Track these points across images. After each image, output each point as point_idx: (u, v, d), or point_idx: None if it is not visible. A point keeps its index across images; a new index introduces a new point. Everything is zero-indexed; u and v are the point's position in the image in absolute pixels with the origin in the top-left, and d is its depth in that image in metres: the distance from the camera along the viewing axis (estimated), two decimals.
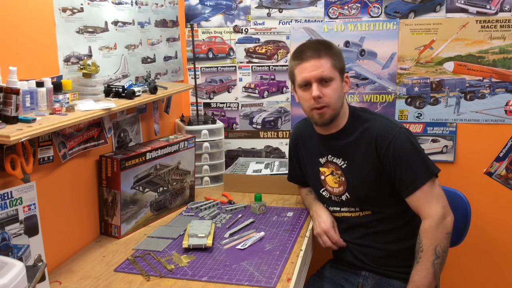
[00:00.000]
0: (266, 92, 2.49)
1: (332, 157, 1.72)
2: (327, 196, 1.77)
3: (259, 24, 2.43)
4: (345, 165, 1.69)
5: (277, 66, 2.45)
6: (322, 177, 1.77)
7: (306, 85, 1.62)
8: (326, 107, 1.61)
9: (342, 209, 1.74)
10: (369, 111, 1.76)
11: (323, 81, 1.60)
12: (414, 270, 1.53)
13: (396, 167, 1.58)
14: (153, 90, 1.83)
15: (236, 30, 2.45)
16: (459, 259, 2.28)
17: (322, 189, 1.78)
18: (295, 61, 1.65)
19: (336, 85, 1.62)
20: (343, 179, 1.70)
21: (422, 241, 1.52)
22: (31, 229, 1.30)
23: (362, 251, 1.71)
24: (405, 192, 1.58)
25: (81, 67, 1.54)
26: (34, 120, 1.24)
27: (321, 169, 1.76)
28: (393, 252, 1.67)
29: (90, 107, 1.45)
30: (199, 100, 2.49)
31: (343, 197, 1.71)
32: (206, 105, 2.57)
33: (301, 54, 1.63)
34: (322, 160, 1.76)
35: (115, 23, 1.84)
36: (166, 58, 2.31)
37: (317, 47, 1.63)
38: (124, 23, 1.90)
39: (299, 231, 1.75)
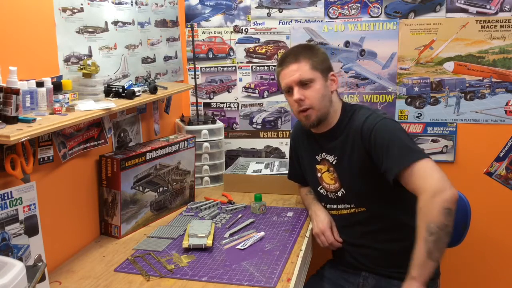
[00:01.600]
0: (266, 92, 2.49)
1: (326, 155, 1.73)
2: (324, 194, 1.78)
3: (259, 24, 2.43)
4: (335, 161, 1.70)
5: None
6: (319, 175, 1.77)
7: (289, 90, 1.66)
8: (310, 109, 1.63)
9: (339, 206, 1.74)
10: (358, 105, 1.74)
11: (303, 83, 1.62)
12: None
13: (378, 153, 1.54)
14: (153, 90, 1.83)
15: (236, 30, 2.45)
16: (459, 259, 2.28)
17: (320, 187, 1.79)
18: (278, 68, 1.70)
19: (318, 85, 1.63)
20: (336, 175, 1.70)
21: (417, 219, 1.42)
22: (31, 229, 1.30)
23: (361, 252, 1.71)
24: (388, 176, 1.50)
25: (81, 67, 1.54)
26: (34, 120, 1.24)
27: (318, 166, 1.77)
28: (392, 253, 1.66)
29: (90, 107, 1.45)
30: (199, 100, 2.49)
31: (339, 193, 1.71)
32: (206, 105, 2.57)
33: (282, 61, 1.69)
34: (318, 158, 1.77)
35: (115, 23, 1.84)
36: (166, 58, 2.31)
37: (296, 51, 1.67)
38: (124, 23, 1.90)
39: (299, 231, 1.75)
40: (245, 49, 2.47)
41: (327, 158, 1.73)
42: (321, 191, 1.79)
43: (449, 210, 1.39)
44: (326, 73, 1.67)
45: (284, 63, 1.66)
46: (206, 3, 2.46)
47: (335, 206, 1.76)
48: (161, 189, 1.92)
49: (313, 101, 1.62)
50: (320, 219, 1.76)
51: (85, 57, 1.64)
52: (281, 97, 2.48)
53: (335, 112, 1.70)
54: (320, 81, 1.64)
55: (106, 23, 1.77)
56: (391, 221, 1.66)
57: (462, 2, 2.17)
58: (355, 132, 1.63)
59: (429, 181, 1.42)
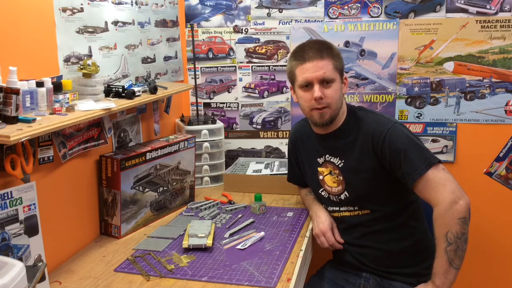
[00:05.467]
0: (266, 92, 2.49)
1: (330, 157, 1.72)
2: (326, 196, 1.77)
3: (259, 24, 2.43)
4: (342, 164, 1.69)
5: (277, 66, 2.45)
6: (321, 177, 1.77)
7: (307, 85, 1.62)
8: (327, 108, 1.62)
9: (341, 209, 1.74)
10: (365, 109, 1.75)
11: (325, 82, 1.60)
12: (434, 259, 1.50)
13: (395, 160, 1.56)
14: (153, 90, 1.83)
15: (236, 30, 2.45)
16: None
17: (321, 189, 1.78)
18: (296, 61, 1.64)
19: (336, 86, 1.62)
20: (341, 178, 1.70)
21: (434, 229, 1.49)
22: (31, 229, 1.30)
23: (362, 252, 1.71)
24: (409, 183, 1.55)
25: (81, 67, 1.54)
26: (34, 120, 1.24)
27: (320, 169, 1.77)
28: (393, 253, 1.67)
29: (90, 107, 1.45)
30: (199, 100, 2.49)
31: (342, 196, 1.71)
32: (206, 105, 2.57)
33: (303, 54, 1.63)
34: (320, 160, 1.76)
35: (115, 23, 1.84)
36: (166, 58, 2.31)
37: (319, 48, 1.62)
38: (124, 23, 1.90)
39: (299, 231, 1.75)
40: (245, 49, 2.47)
41: (331, 160, 1.72)
42: (323, 193, 1.78)
43: (464, 219, 1.47)
44: (342, 75, 1.67)
45: (307, 58, 1.60)
46: (206, 3, 2.46)
47: (337, 209, 1.75)
48: (161, 189, 1.92)
49: (331, 101, 1.61)
50: (321, 220, 1.75)
51: (85, 57, 1.63)
52: (281, 97, 2.48)
53: (343, 113, 1.69)
54: (338, 82, 1.63)
55: (106, 23, 1.77)
56: (393, 222, 1.66)
57: (462, 2, 2.17)
58: (364, 136, 1.63)
59: (442, 193, 1.49)
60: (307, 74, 1.60)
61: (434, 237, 1.50)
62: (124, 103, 1.61)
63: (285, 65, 2.40)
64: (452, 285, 1.47)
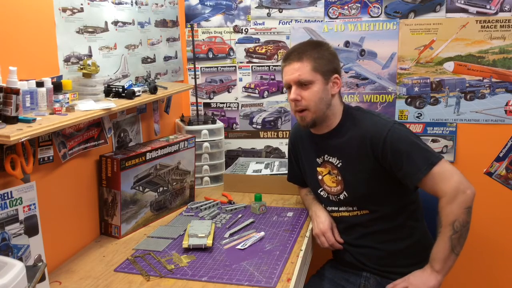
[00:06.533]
0: (266, 92, 2.49)
1: (328, 157, 1.72)
2: (325, 196, 1.77)
3: (259, 24, 2.43)
4: (340, 163, 1.69)
5: (277, 66, 2.45)
6: (320, 177, 1.77)
7: (289, 87, 1.65)
8: (306, 110, 1.62)
9: (340, 209, 1.74)
10: (362, 109, 1.74)
11: (302, 84, 1.61)
12: (434, 245, 1.54)
13: (396, 162, 1.56)
14: (153, 90, 1.83)
15: (236, 30, 2.45)
16: (458, 259, 2.27)
17: (320, 189, 1.78)
18: (282, 64, 1.69)
19: (317, 88, 1.61)
20: (340, 178, 1.70)
21: (441, 218, 1.52)
22: (31, 229, 1.30)
23: (362, 252, 1.71)
24: (412, 182, 1.56)
25: (81, 67, 1.54)
26: (34, 120, 1.24)
27: (319, 169, 1.76)
28: (393, 252, 1.67)
29: (90, 107, 1.45)
30: (199, 100, 2.49)
31: (341, 196, 1.71)
32: (206, 105, 2.57)
33: (286, 57, 1.67)
34: (319, 160, 1.76)
35: (115, 23, 1.84)
36: (166, 58, 2.31)
37: (301, 49, 1.64)
38: (124, 23, 1.90)
39: (299, 231, 1.75)
40: (245, 49, 2.47)
41: (330, 160, 1.72)
42: (322, 193, 1.78)
43: (470, 208, 1.52)
44: (328, 75, 1.63)
45: (288, 60, 1.64)
46: (206, 3, 2.46)
47: (336, 209, 1.75)
48: (161, 189, 1.92)
49: (309, 103, 1.61)
50: (321, 220, 1.75)
51: (85, 57, 1.64)
52: (281, 97, 2.48)
53: (334, 115, 1.68)
54: (319, 84, 1.61)
55: (106, 23, 1.77)
56: (392, 222, 1.66)
57: (462, 2, 2.17)
58: (362, 137, 1.62)
59: (450, 184, 1.52)
60: (286, 76, 1.64)
61: (439, 225, 1.52)
62: (124, 103, 1.61)
63: None
64: (449, 271, 1.52)
